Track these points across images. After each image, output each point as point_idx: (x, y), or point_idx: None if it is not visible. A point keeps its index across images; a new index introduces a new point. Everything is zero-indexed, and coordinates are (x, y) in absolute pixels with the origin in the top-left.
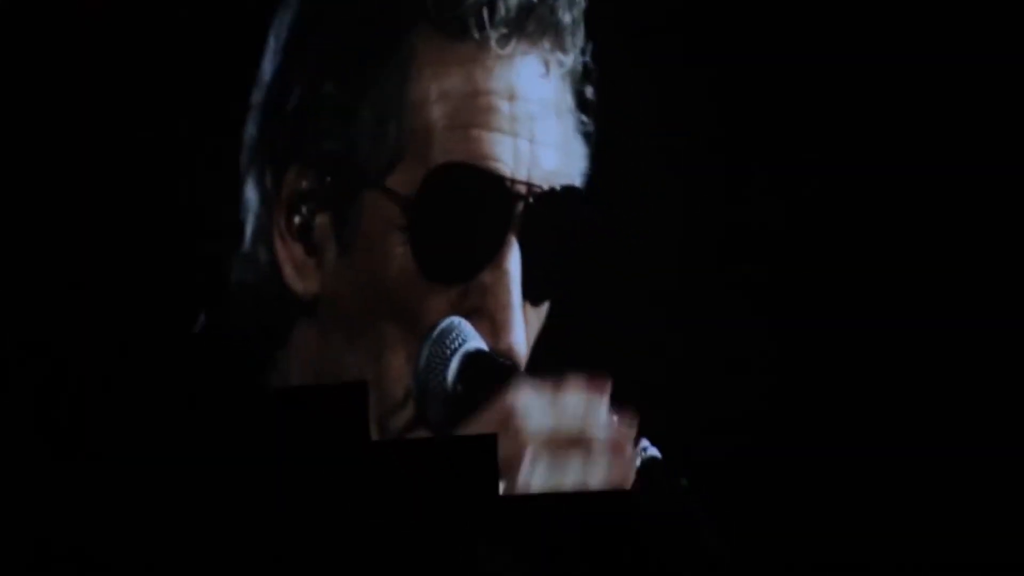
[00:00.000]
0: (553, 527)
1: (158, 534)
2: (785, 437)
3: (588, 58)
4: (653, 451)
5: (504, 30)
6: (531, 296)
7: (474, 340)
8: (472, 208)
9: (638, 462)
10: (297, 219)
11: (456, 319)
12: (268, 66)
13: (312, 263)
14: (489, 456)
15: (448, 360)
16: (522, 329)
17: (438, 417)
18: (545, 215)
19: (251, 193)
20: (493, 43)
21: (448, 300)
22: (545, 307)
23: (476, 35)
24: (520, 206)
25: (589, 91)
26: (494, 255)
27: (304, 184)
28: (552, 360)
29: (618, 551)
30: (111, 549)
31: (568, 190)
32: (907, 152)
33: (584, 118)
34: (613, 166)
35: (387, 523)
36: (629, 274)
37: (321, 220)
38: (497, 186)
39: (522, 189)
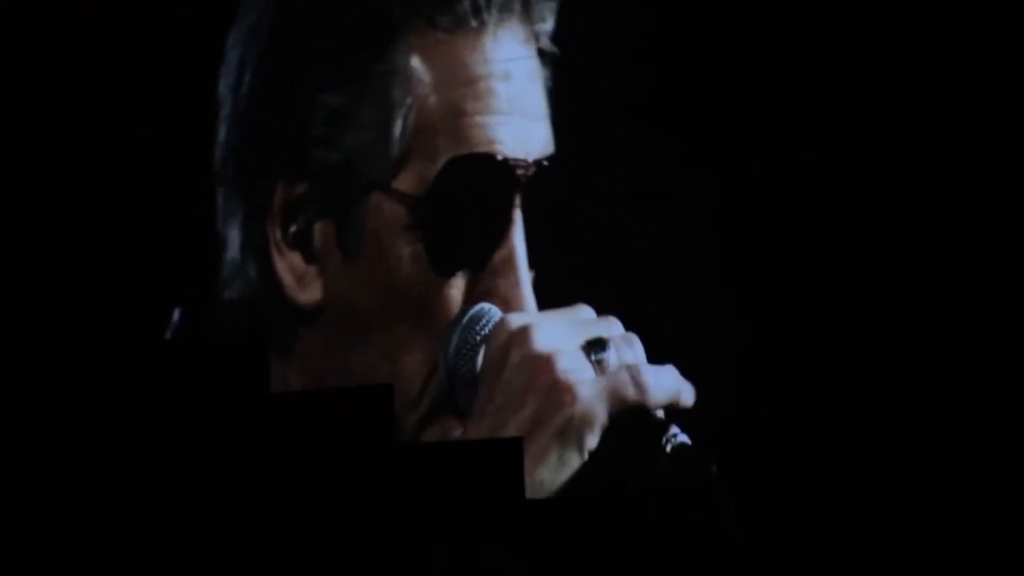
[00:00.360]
0: (578, 529)
1: (180, 538)
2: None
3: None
4: (683, 437)
5: (497, 14)
6: (535, 264)
7: None
8: (479, 196)
9: (668, 448)
10: (293, 229)
11: (486, 305)
12: (245, 76)
13: (313, 271)
14: (515, 460)
15: (478, 346)
16: (533, 303)
17: (467, 401)
18: (542, 186)
19: (233, 206)
20: (487, 28)
21: (461, 289)
22: (533, 271)
23: (472, 23)
24: (524, 182)
25: (547, 44)
26: (503, 235)
27: (298, 194)
28: None
29: (644, 553)
30: (129, 554)
31: (553, 159)
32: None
33: (546, 73)
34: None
35: (413, 526)
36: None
37: (320, 228)
38: (501, 169)
39: (522, 167)
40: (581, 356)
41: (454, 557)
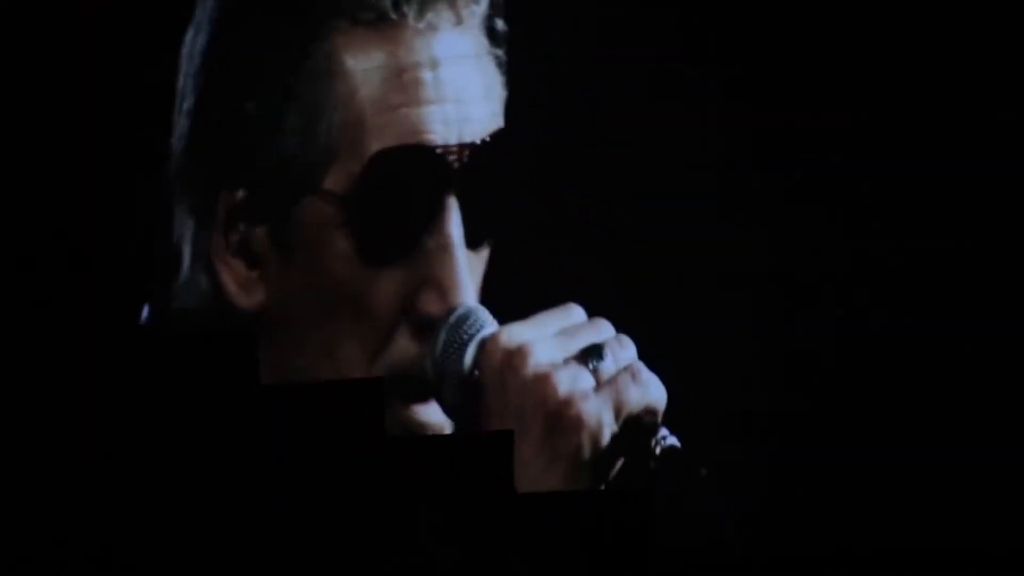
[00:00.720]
0: (570, 524)
1: (169, 535)
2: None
3: None
4: (672, 440)
5: (418, 4)
6: (474, 243)
7: (491, 326)
8: (409, 186)
9: (658, 450)
10: (235, 237)
11: (474, 305)
12: (186, 92)
13: (255, 276)
14: (505, 453)
15: (465, 345)
16: (469, 287)
17: (455, 400)
18: (480, 167)
19: (184, 219)
20: (411, 18)
21: (395, 278)
22: (487, 249)
23: (393, 16)
24: (456, 167)
25: (499, 24)
26: (435, 221)
27: (238, 202)
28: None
29: (635, 548)
30: (125, 550)
31: (498, 135)
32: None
33: (498, 51)
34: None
35: (402, 520)
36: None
37: (260, 234)
38: (431, 157)
39: (454, 152)
40: (579, 368)
41: (444, 551)
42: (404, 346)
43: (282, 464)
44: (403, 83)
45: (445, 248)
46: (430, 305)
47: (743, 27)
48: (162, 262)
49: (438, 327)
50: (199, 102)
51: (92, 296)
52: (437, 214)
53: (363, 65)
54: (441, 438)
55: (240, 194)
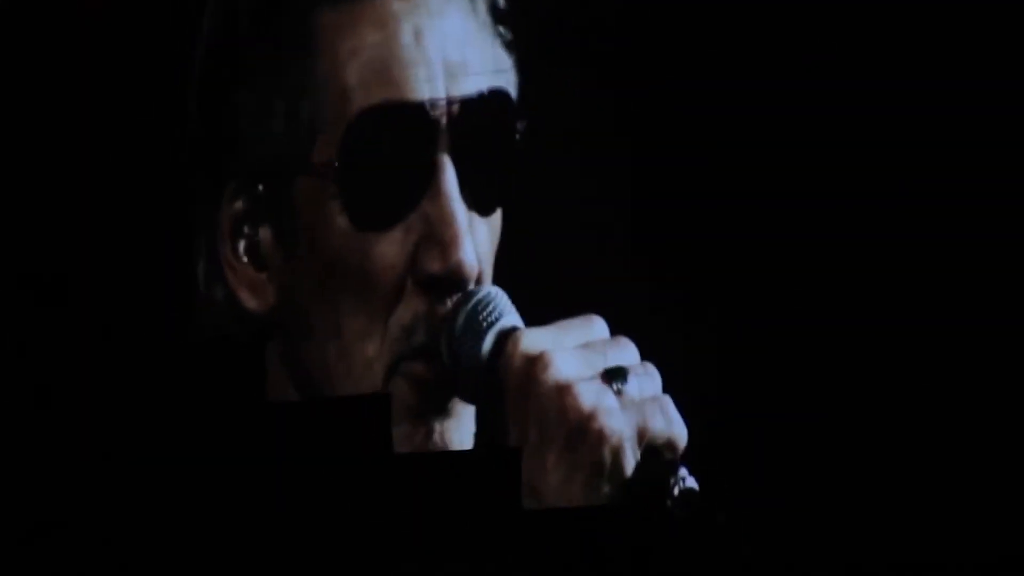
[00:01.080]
0: (574, 542)
1: (171, 551)
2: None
3: None
4: (692, 482)
5: None
6: (478, 207)
7: (511, 315)
8: (396, 144)
9: (676, 491)
10: (242, 242)
11: (493, 290)
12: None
13: (264, 278)
14: (512, 469)
15: (483, 333)
16: (470, 244)
17: (469, 384)
18: (474, 123)
19: (201, 233)
20: None
21: (396, 241)
22: (498, 216)
23: None
24: (444, 122)
25: (501, 1)
26: (429, 180)
27: (240, 204)
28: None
29: (643, 568)
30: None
31: (494, 93)
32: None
33: (502, 28)
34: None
35: (409, 536)
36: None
37: (264, 234)
38: (416, 112)
39: (442, 105)
40: (603, 387)
41: (450, 567)
42: (414, 305)
43: (287, 480)
44: (387, 53)
45: (442, 205)
46: (432, 263)
47: None
48: (182, 278)
49: (457, 307)
50: (194, 97)
51: (113, 310)
52: (431, 173)
53: (347, 41)
54: (446, 454)
55: (241, 194)
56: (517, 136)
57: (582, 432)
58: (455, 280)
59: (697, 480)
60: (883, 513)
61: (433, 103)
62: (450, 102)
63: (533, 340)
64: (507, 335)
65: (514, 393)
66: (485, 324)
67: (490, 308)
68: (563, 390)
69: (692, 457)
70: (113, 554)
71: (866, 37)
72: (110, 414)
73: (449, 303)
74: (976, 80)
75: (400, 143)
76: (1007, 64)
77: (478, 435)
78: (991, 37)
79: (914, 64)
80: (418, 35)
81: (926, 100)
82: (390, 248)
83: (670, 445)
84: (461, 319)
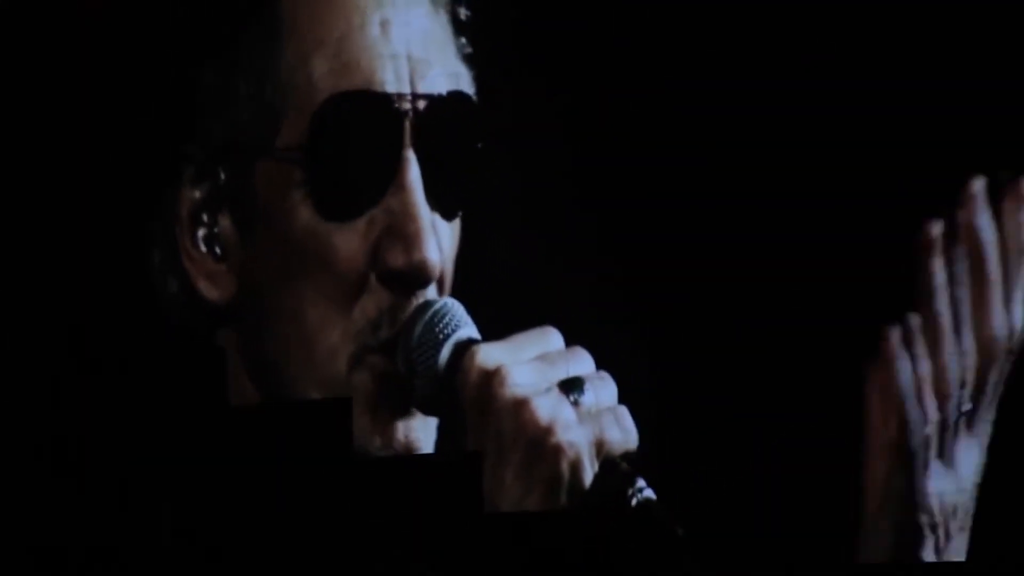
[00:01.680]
0: (537, 547)
1: (135, 550)
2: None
3: None
4: (649, 492)
5: None
6: (441, 208)
7: (468, 327)
8: (362, 135)
9: (633, 502)
10: (202, 231)
11: (449, 301)
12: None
13: (223, 268)
14: (472, 474)
15: (440, 344)
16: (434, 242)
17: (425, 392)
18: (437, 122)
19: (156, 220)
20: None
21: (358, 231)
22: (458, 222)
23: None
24: (410, 118)
25: (463, 13)
26: (393, 174)
27: (199, 190)
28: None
29: (604, 570)
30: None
31: (457, 95)
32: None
33: (463, 40)
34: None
35: (371, 541)
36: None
37: (224, 221)
38: (382, 104)
39: (408, 101)
40: (560, 397)
41: (414, 569)
42: (378, 299)
43: (247, 483)
44: (352, 43)
45: (405, 200)
46: (395, 258)
47: None
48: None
49: (414, 317)
50: (153, 74)
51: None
52: (395, 167)
53: (314, 28)
54: (408, 458)
55: (201, 181)
56: (479, 145)
57: (539, 447)
58: (418, 276)
59: (654, 490)
60: (841, 517)
61: (399, 96)
62: (415, 97)
63: (489, 354)
64: (464, 348)
65: (471, 408)
66: (442, 336)
67: (447, 319)
68: (520, 405)
69: (649, 466)
70: (72, 557)
71: (832, 33)
72: (67, 413)
73: (414, 301)
74: (973, 79)
75: (365, 133)
76: (1005, 64)
77: (439, 439)
78: (991, 37)
79: (875, 64)
80: (385, 27)
81: (882, 101)
82: (352, 239)
83: (628, 457)
84: (418, 329)
